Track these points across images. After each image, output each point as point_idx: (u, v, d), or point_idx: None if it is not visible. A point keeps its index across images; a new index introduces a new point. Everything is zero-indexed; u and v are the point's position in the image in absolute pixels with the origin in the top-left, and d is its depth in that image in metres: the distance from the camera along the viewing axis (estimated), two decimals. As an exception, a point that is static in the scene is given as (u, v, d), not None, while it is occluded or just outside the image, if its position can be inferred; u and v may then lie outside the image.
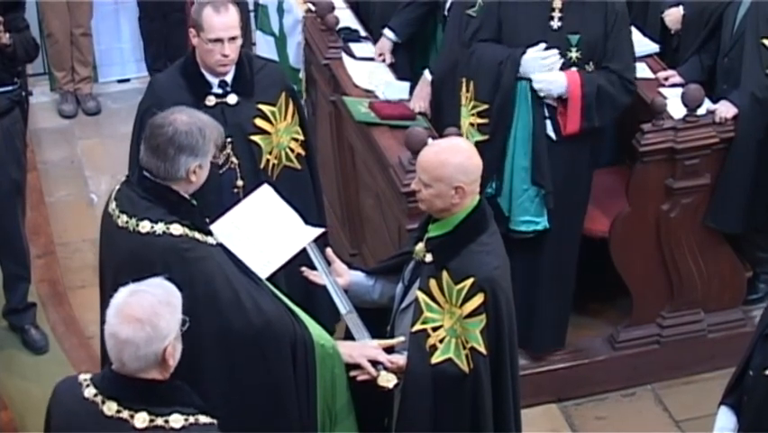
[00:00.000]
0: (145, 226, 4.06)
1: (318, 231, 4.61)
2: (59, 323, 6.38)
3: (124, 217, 4.12)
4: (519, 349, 5.63)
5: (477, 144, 5.34)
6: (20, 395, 5.87)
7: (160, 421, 3.39)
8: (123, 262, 4.14)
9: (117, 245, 4.18)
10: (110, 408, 3.41)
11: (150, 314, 3.36)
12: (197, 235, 4.10)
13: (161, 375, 3.43)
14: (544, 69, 5.39)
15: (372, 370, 4.26)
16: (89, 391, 3.46)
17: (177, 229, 4.06)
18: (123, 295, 3.40)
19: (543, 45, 5.39)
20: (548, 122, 5.46)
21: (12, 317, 6.24)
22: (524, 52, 5.38)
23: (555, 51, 5.39)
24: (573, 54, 5.41)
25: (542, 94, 5.41)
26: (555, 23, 5.42)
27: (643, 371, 5.93)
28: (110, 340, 3.38)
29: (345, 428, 4.35)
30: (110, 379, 3.44)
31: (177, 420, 3.40)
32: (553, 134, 5.46)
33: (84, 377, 3.52)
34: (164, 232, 4.05)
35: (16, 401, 5.83)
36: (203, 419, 3.45)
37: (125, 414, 3.39)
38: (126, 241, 4.11)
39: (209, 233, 4.16)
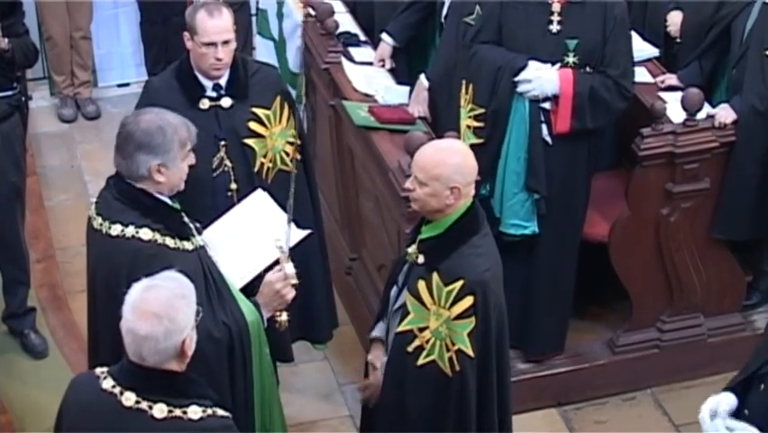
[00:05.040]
0: (116, 229, 4.10)
1: (304, 233, 4.63)
2: (58, 327, 6.38)
3: (99, 220, 4.16)
4: (518, 353, 5.69)
5: (472, 146, 5.37)
6: (19, 399, 5.87)
7: (178, 412, 3.43)
8: (96, 264, 4.21)
9: (92, 247, 4.24)
10: (128, 399, 3.44)
11: (167, 308, 3.40)
12: (168, 241, 4.11)
13: (179, 367, 3.47)
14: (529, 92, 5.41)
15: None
16: (107, 383, 3.49)
17: (146, 234, 4.08)
18: (137, 291, 3.43)
19: (536, 65, 5.39)
20: (543, 126, 5.46)
21: (11, 321, 6.24)
22: (525, 65, 5.39)
23: (532, 89, 5.39)
24: (571, 59, 5.41)
25: (534, 93, 5.38)
26: (554, 27, 5.42)
27: (642, 375, 5.93)
28: (128, 336, 3.41)
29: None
30: (128, 371, 3.47)
31: (195, 412, 3.44)
32: (548, 138, 5.46)
33: (101, 370, 3.54)
34: (133, 236, 4.08)
35: (16, 406, 5.83)
36: (219, 411, 3.50)
37: (144, 405, 3.43)
38: (99, 243, 4.17)
39: (186, 237, 4.16)
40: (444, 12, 6.13)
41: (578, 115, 5.40)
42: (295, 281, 4.33)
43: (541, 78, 5.38)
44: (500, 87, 5.43)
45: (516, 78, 5.39)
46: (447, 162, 4.21)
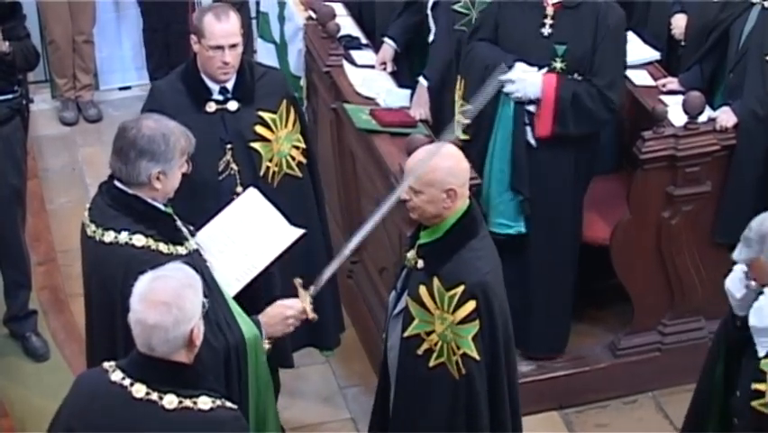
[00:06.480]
0: (109, 236, 4.09)
1: (299, 232, 4.64)
2: (59, 330, 6.38)
3: (93, 227, 4.15)
4: (518, 353, 5.69)
5: (461, 142, 5.39)
6: (20, 402, 5.87)
7: (188, 403, 3.44)
8: (91, 271, 4.21)
9: (87, 254, 4.24)
10: (139, 390, 3.45)
11: (175, 296, 3.41)
12: (161, 247, 4.10)
13: (187, 358, 3.49)
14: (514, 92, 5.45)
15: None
16: (116, 376, 3.50)
17: (139, 240, 4.07)
18: (145, 282, 3.45)
19: (523, 67, 5.42)
20: (528, 128, 5.48)
21: (13, 324, 6.24)
22: (512, 66, 5.41)
23: (515, 90, 5.44)
24: (558, 64, 5.43)
25: (517, 95, 5.43)
26: (546, 30, 5.45)
27: (644, 378, 5.93)
28: (137, 327, 3.42)
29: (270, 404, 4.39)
30: (138, 362, 3.48)
31: (205, 402, 3.46)
32: (533, 141, 5.47)
33: (108, 364, 3.55)
34: (126, 243, 4.07)
35: (17, 408, 5.83)
36: (228, 403, 3.52)
37: (154, 396, 3.44)
38: (93, 250, 4.16)
39: (179, 242, 4.16)
40: (430, 5, 6.13)
41: (560, 120, 5.41)
42: (312, 316, 4.33)
43: (525, 81, 5.41)
44: (483, 91, 5.47)
45: (502, 78, 5.41)
46: (440, 167, 4.21)
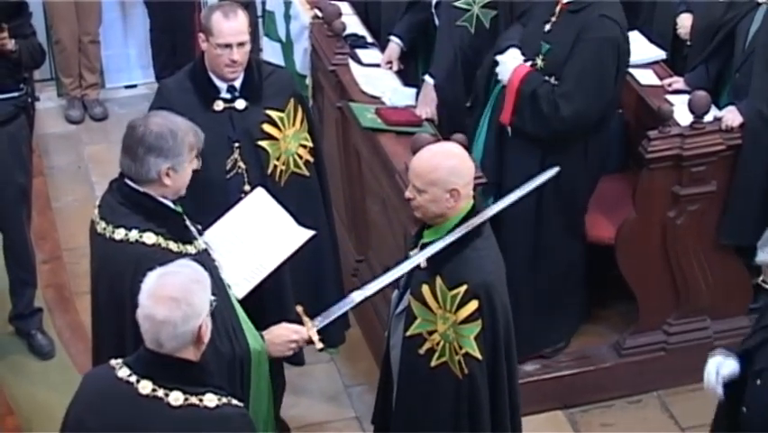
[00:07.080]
0: (119, 233, 4.09)
1: (309, 233, 4.63)
2: (65, 328, 6.39)
3: (103, 224, 4.15)
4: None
5: (468, 108, 5.72)
6: (26, 400, 5.88)
7: (194, 400, 3.45)
8: (100, 268, 4.21)
9: (96, 251, 4.24)
10: (145, 387, 3.46)
11: (183, 291, 3.42)
12: (171, 245, 4.10)
13: (194, 355, 3.49)
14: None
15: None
16: (123, 372, 3.51)
17: (150, 238, 4.07)
18: (153, 278, 3.46)
19: (513, 53, 5.52)
20: None
21: (18, 322, 6.25)
22: (506, 49, 5.53)
23: (498, 72, 5.57)
24: (539, 62, 5.48)
25: (499, 77, 5.55)
26: (547, 27, 5.51)
27: (649, 378, 5.93)
28: (146, 322, 3.43)
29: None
30: (145, 359, 3.49)
31: (211, 400, 3.46)
32: (509, 128, 5.51)
33: (115, 361, 3.56)
34: (136, 240, 4.07)
35: (22, 406, 5.84)
36: (234, 401, 3.52)
37: (160, 393, 3.45)
38: (102, 247, 4.16)
39: (189, 241, 4.16)
40: (434, 2, 6.16)
41: (517, 112, 5.45)
42: (320, 346, 4.35)
43: (505, 65, 5.51)
44: (486, 61, 5.65)
45: (496, 58, 5.56)
46: (443, 166, 4.21)
